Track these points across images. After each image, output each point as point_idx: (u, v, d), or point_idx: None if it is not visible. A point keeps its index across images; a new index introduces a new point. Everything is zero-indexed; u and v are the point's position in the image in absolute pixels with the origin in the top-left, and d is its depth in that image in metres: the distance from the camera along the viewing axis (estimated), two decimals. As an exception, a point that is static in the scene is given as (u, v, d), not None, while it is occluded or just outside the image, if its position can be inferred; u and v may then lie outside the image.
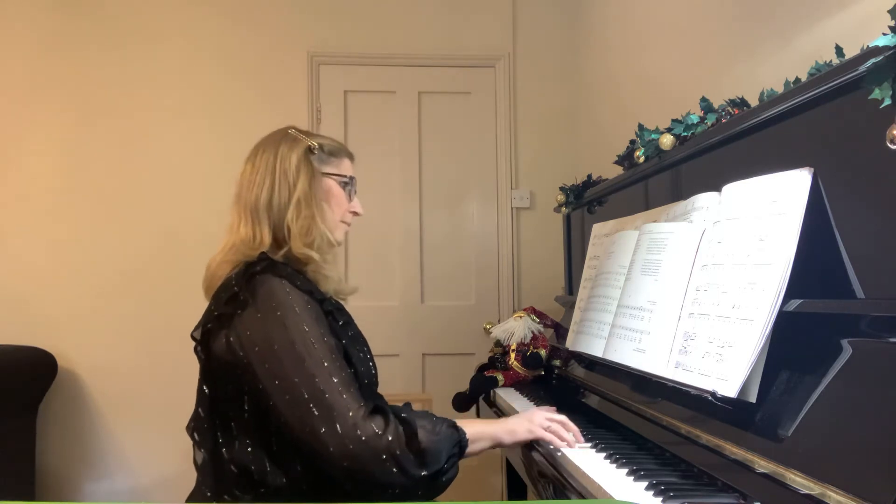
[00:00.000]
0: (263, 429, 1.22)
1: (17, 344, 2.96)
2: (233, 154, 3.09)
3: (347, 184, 1.43)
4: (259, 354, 1.18)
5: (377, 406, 1.18)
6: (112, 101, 3.15)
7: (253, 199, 1.33)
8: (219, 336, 1.24)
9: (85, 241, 3.12)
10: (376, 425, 1.13)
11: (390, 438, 1.13)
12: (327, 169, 1.41)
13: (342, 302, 1.40)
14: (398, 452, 1.13)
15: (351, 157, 1.47)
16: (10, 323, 3.04)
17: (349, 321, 1.36)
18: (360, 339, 1.37)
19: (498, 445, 1.35)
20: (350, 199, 1.44)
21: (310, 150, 1.38)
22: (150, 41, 3.17)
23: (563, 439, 1.35)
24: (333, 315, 1.29)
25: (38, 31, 3.14)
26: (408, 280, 3.26)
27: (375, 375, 1.39)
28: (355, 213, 1.45)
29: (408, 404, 1.58)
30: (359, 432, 1.12)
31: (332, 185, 1.41)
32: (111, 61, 3.15)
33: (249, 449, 1.22)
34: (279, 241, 1.32)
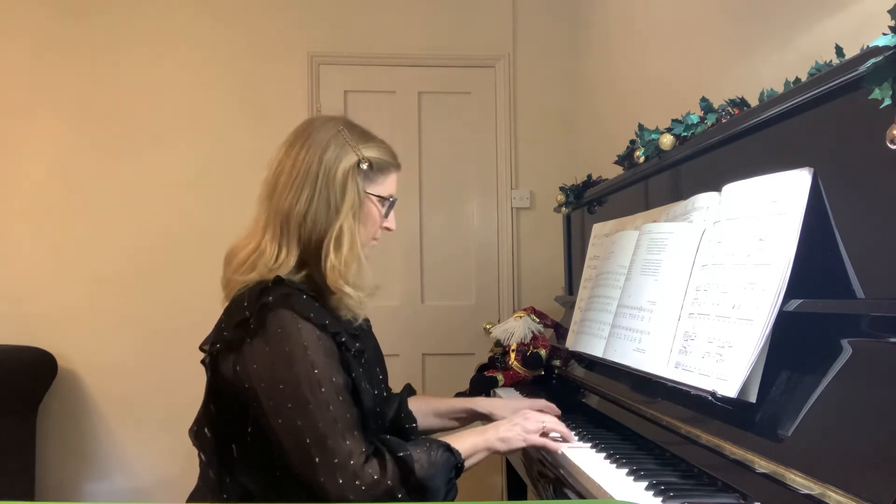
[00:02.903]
0: (266, 455, 1.20)
1: (17, 344, 2.96)
2: (232, 153, 3.11)
3: (387, 203, 1.34)
4: (265, 390, 1.16)
5: (376, 448, 1.17)
6: (110, 101, 3.15)
7: (287, 207, 1.24)
8: (227, 359, 1.21)
9: (84, 241, 3.12)
10: (374, 470, 1.13)
11: (389, 483, 1.13)
12: (371, 188, 1.31)
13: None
14: (399, 495, 1.13)
15: (398, 168, 1.37)
16: (10, 323, 3.03)
17: (363, 348, 1.29)
18: (373, 363, 1.34)
19: (494, 454, 1.34)
20: (385, 217, 1.35)
21: (358, 165, 1.27)
22: (148, 42, 3.17)
23: (557, 449, 1.34)
24: (346, 345, 1.22)
25: (34, 35, 3.13)
26: (408, 280, 3.26)
27: (384, 394, 1.37)
28: (387, 229, 1.37)
29: (408, 385, 1.56)
30: (358, 482, 1.12)
31: (371, 205, 1.31)
32: (108, 64, 3.15)
33: (252, 474, 1.21)
34: (305, 259, 1.26)
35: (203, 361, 1.26)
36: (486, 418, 1.59)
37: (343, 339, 1.22)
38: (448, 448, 1.22)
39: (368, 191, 1.30)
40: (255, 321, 1.17)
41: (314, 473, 1.12)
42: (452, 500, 1.21)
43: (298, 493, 1.19)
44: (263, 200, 1.29)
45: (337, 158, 1.26)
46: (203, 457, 1.25)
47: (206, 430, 1.24)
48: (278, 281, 1.20)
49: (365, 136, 1.33)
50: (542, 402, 1.60)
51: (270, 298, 1.17)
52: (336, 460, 1.12)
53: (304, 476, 1.15)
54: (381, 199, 1.33)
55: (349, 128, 1.32)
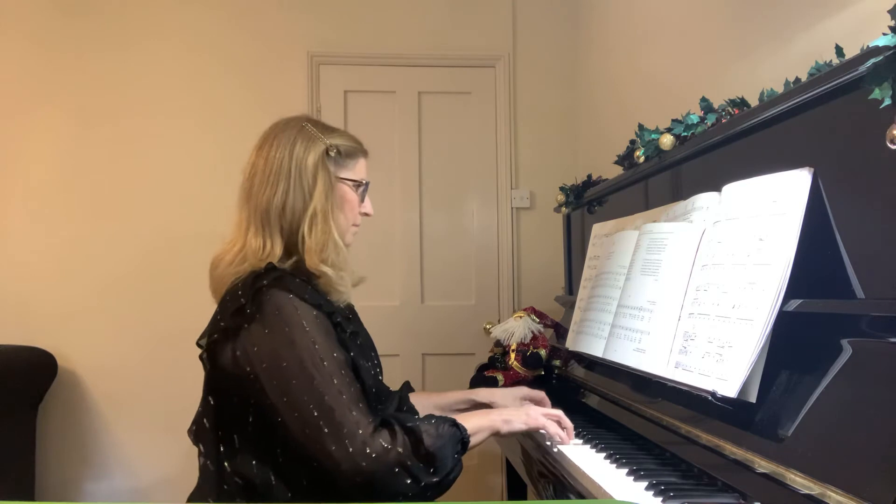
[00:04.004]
0: (268, 442, 1.22)
1: (17, 344, 2.96)
2: (232, 154, 3.09)
3: (361, 186, 1.40)
4: (267, 371, 1.18)
5: (384, 419, 1.19)
6: (111, 101, 3.15)
7: (265, 203, 1.29)
8: (225, 348, 1.22)
9: (85, 241, 3.12)
10: (384, 440, 1.14)
11: (400, 450, 1.14)
12: (343, 173, 1.36)
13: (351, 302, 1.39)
14: (409, 463, 1.14)
15: (366, 154, 1.42)
16: (10, 323, 3.03)
17: (357, 330, 1.34)
18: (367, 347, 1.37)
19: (495, 434, 1.37)
20: (362, 201, 1.41)
21: (327, 152, 1.33)
22: (149, 41, 3.17)
23: (557, 435, 1.38)
24: (342, 326, 1.26)
25: (36, 32, 3.13)
26: (408, 280, 3.26)
27: (381, 381, 1.40)
28: (366, 215, 1.42)
29: (406, 382, 1.60)
30: (368, 450, 1.13)
31: (346, 190, 1.37)
32: (109, 62, 3.15)
33: (253, 462, 1.22)
34: (290, 249, 1.30)
35: (201, 356, 1.27)
36: (487, 408, 1.61)
37: (338, 320, 1.26)
38: (454, 423, 1.24)
39: (341, 175, 1.36)
40: (252, 306, 1.19)
41: (323, 446, 1.13)
42: (458, 474, 1.21)
43: (300, 477, 1.21)
44: (242, 203, 1.34)
45: (306, 150, 1.32)
46: (202, 448, 1.26)
47: (204, 420, 1.25)
48: (271, 267, 1.24)
49: (329, 128, 1.39)
50: (541, 394, 1.64)
51: (265, 282, 1.20)
52: (345, 430, 1.13)
53: (312, 451, 1.15)
54: (355, 183, 1.38)
55: (313, 122, 1.38)
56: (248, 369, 1.19)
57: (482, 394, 1.67)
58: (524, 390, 1.67)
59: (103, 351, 3.10)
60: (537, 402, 1.59)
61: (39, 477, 3.00)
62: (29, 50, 3.13)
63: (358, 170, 1.40)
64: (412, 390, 1.61)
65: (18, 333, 3.00)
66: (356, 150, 1.40)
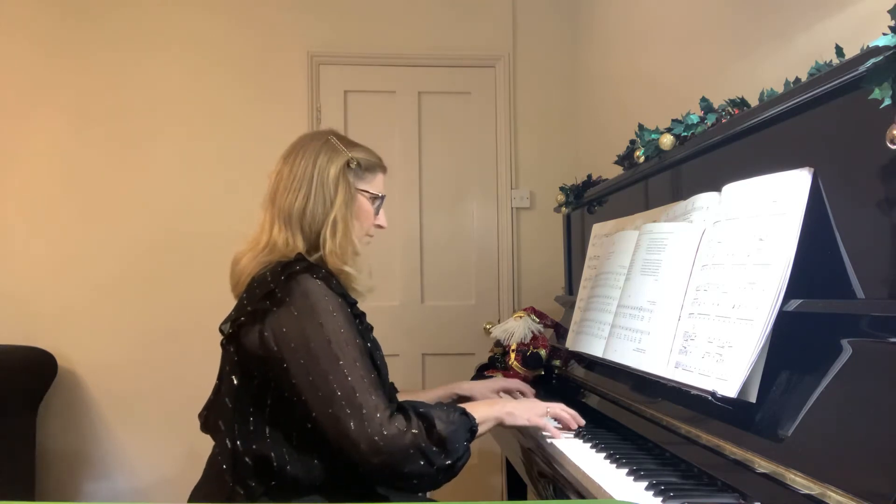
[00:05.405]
0: (285, 422, 1.28)
1: (17, 344, 2.96)
2: (232, 154, 3.12)
3: (377, 199, 1.48)
4: (294, 351, 1.24)
5: (400, 405, 1.26)
6: (111, 101, 3.15)
7: (287, 206, 1.38)
8: (251, 331, 1.28)
9: (85, 241, 3.12)
10: (400, 423, 1.21)
11: (415, 432, 1.21)
12: (362, 185, 1.45)
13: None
14: (423, 445, 1.21)
15: (385, 170, 1.51)
16: (10, 323, 3.03)
17: (370, 327, 1.42)
18: (377, 344, 1.44)
19: (499, 425, 1.43)
20: (377, 214, 1.49)
21: (348, 164, 1.42)
22: (149, 42, 3.17)
23: (564, 423, 1.46)
24: (360, 319, 1.36)
25: (36, 33, 3.13)
26: (408, 280, 3.26)
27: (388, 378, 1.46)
28: (379, 227, 1.50)
29: (391, 384, 1.64)
30: (386, 431, 1.19)
31: (363, 201, 1.45)
32: (109, 63, 3.15)
33: (268, 442, 1.27)
34: (310, 248, 1.38)
35: (222, 343, 1.32)
36: (469, 399, 1.71)
37: (358, 312, 1.36)
38: (464, 412, 1.31)
39: (359, 187, 1.45)
40: (282, 291, 1.26)
41: (345, 426, 1.19)
42: (466, 461, 1.27)
43: (312, 460, 1.27)
44: (267, 205, 1.43)
45: (329, 160, 1.41)
46: (221, 425, 1.29)
47: (227, 400, 1.29)
48: (300, 257, 1.32)
49: (352, 143, 1.48)
50: (516, 383, 1.77)
51: (297, 268, 1.28)
52: (365, 411, 1.20)
53: (332, 431, 1.21)
54: (372, 195, 1.47)
55: (338, 136, 1.47)
56: (276, 349, 1.25)
57: (464, 387, 1.77)
58: (500, 382, 1.79)
59: (103, 351, 3.10)
60: (510, 391, 1.74)
61: (39, 477, 3.00)
62: (29, 51, 3.13)
63: (376, 183, 1.48)
64: (396, 391, 1.65)
65: (18, 333, 3.01)
66: (376, 165, 1.48)
